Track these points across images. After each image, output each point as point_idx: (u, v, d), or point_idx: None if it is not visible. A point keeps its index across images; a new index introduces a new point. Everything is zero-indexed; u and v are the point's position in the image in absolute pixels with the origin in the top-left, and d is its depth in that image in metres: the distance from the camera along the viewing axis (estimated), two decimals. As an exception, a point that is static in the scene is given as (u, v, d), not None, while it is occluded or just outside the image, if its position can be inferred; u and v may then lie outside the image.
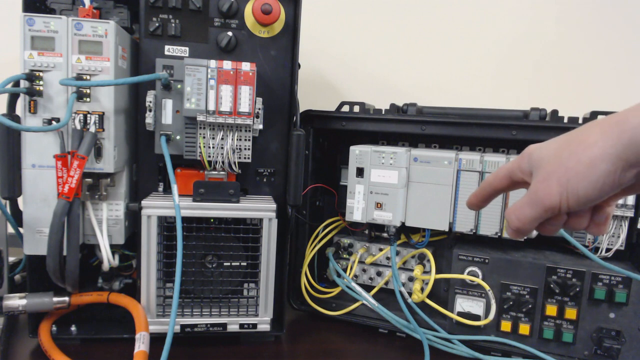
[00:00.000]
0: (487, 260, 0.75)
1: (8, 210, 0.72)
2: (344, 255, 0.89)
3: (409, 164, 0.78)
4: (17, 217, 0.71)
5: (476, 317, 0.75)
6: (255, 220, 0.73)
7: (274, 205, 0.71)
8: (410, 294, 0.80)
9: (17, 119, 0.65)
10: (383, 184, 0.78)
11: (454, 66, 1.13)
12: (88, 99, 0.65)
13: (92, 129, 0.65)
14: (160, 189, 0.74)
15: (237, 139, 0.71)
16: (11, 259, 0.85)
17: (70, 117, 0.63)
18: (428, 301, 0.78)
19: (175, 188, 0.66)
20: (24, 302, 0.69)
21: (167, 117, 0.70)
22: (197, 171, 0.73)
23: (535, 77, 1.11)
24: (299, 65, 0.75)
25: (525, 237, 0.75)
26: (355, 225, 0.89)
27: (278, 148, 0.76)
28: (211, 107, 0.67)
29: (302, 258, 0.89)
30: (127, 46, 0.70)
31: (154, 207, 0.68)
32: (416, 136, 0.88)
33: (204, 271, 0.73)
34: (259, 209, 0.71)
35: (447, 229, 0.78)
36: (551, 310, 0.72)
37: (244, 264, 0.73)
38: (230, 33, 0.71)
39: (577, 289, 0.71)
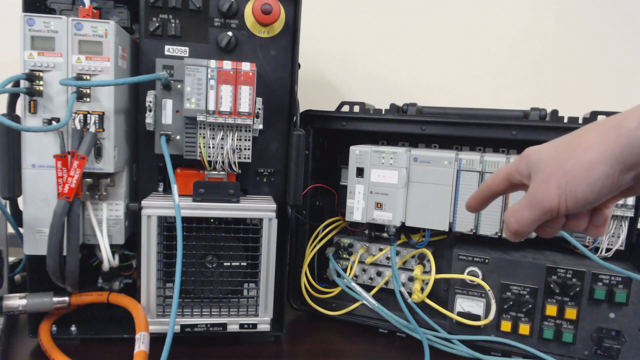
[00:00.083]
0: (487, 260, 0.75)
1: (8, 210, 0.72)
2: (344, 255, 0.89)
3: (409, 164, 0.78)
4: (17, 217, 0.71)
5: (476, 317, 0.75)
6: (255, 220, 0.73)
7: (274, 205, 0.71)
8: (410, 294, 0.80)
9: (17, 119, 0.65)
10: (383, 184, 0.78)
11: (454, 66, 1.13)
12: (88, 99, 0.65)
13: (92, 129, 0.65)
14: (160, 189, 0.74)
15: (237, 139, 0.71)
16: (11, 259, 0.85)
17: (70, 117, 0.63)
18: (428, 301, 0.78)
19: (175, 188, 0.66)
20: (24, 302, 0.69)
21: (167, 117, 0.70)
22: (197, 171, 0.73)
23: (535, 77, 1.11)
24: (299, 65, 0.75)
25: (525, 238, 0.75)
26: (355, 225, 0.89)
27: (278, 148, 0.76)
28: (211, 107, 0.67)
29: (302, 258, 0.89)
30: (127, 46, 0.70)
31: (154, 207, 0.68)
32: (416, 136, 0.88)
33: (204, 271, 0.73)
34: (259, 209, 0.71)
35: (447, 229, 0.78)
36: (551, 310, 0.72)
37: (244, 264, 0.73)
38: (230, 33, 0.71)
39: (577, 289, 0.71)
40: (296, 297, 0.89)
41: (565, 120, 0.73)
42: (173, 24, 0.70)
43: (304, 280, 0.88)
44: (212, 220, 0.72)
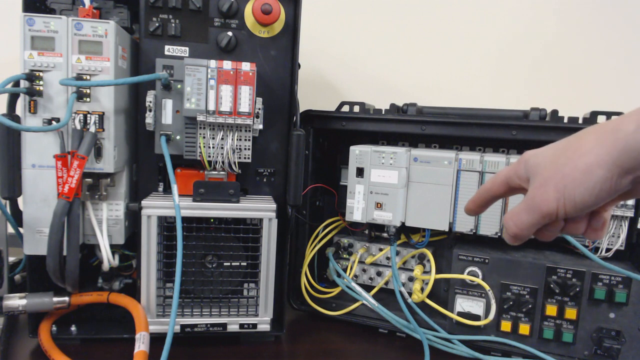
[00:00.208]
0: (487, 260, 0.75)
1: (8, 210, 0.72)
2: (344, 255, 0.89)
3: (409, 164, 0.78)
4: (17, 217, 0.71)
5: (476, 317, 0.75)
6: (255, 220, 0.73)
7: (274, 205, 0.71)
8: (410, 294, 0.80)
9: (17, 119, 0.65)
10: (383, 184, 0.78)
11: (454, 66, 1.13)
12: (88, 99, 0.65)
13: (92, 129, 0.65)
14: (160, 189, 0.74)
15: (237, 139, 0.71)
16: (11, 259, 0.85)
17: (70, 117, 0.63)
18: (428, 301, 0.78)
19: (175, 188, 0.66)
20: (24, 302, 0.69)
21: (167, 117, 0.70)
22: (197, 171, 0.73)
23: (536, 77, 1.11)
24: (299, 65, 0.75)
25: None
26: (355, 225, 0.89)
27: (278, 148, 0.76)
28: (211, 107, 0.67)
29: (302, 258, 0.89)
30: (127, 46, 0.70)
31: (154, 207, 0.68)
32: (416, 136, 0.88)
33: (204, 271, 0.73)
34: (259, 209, 0.71)
35: (447, 229, 0.78)
36: (551, 310, 0.72)
37: (244, 264, 0.73)
38: (230, 33, 0.71)
39: (577, 289, 0.71)
40: (296, 297, 0.89)
41: (565, 120, 0.73)
42: (173, 24, 0.70)
43: (304, 280, 0.88)
44: (212, 220, 0.72)
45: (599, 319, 0.71)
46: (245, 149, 0.71)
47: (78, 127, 0.65)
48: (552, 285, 0.72)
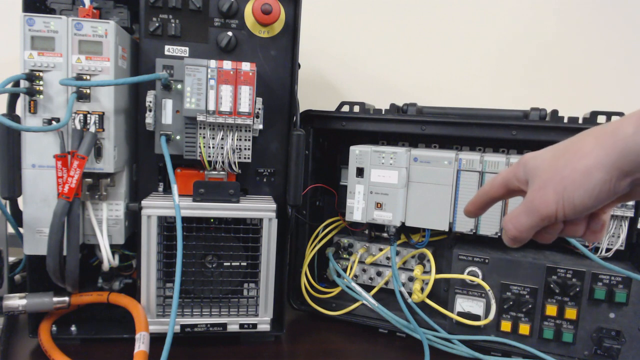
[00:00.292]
0: (487, 260, 0.75)
1: (8, 210, 0.72)
2: (344, 255, 0.89)
3: (409, 164, 0.78)
4: (17, 217, 0.71)
5: (476, 317, 0.75)
6: (255, 220, 0.73)
7: (274, 205, 0.71)
8: (410, 294, 0.80)
9: (17, 119, 0.65)
10: (383, 184, 0.78)
11: (454, 66, 1.13)
12: (88, 99, 0.65)
13: (92, 129, 0.65)
14: (160, 189, 0.74)
15: (237, 139, 0.71)
16: (11, 259, 0.85)
17: (70, 117, 0.63)
18: (428, 301, 0.78)
19: (175, 188, 0.66)
20: (24, 302, 0.69)
21: (167, 117, 0.70)
22: (197, 171, 0.73)
23: (536, 77, 1.11)
24: (299, 65, 0.75)
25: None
26: (355, 225, 0.89)
27: (278, 148, 0.76)
28: (211, 107, 0.67)
29: (302, 258, 0.89)
30: (127, 46, 0.70)
31: (154, 207, 0.68)
32: (416, 136, 0.88)
33: (204, 271, 0.73)
34: (259, 209, 0.71)
35: (447, 229, 0.78)
36: (551, 310, 0.72)
37: (244, 264, 0.73)
38: (230, 33, 0.71)
39: (577, 289, 0.71)
40: (296, 297, 0.89)
41: (565, 120, 0.73)
42: (173, 24, 0.70)
43: (304, 280, 0.88)
44: (212, 220, 0.72)
45: (599, 319, 0.71)
46: (245, 149, 0.71)
47: (78, 127, 0.65)
48: (552, 285, 0.72)
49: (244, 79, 0.67)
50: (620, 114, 0.72)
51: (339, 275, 0.86)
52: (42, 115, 0.65)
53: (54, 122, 0.65)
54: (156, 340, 0.64)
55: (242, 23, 0.72)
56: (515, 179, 0.44)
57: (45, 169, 0.65)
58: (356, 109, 0.85)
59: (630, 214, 0.72)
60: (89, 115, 0.65)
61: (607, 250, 0.74)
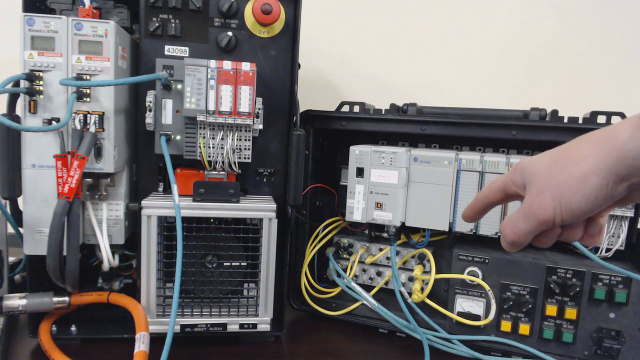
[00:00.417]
0: (487, 260, 0.75)
1: (8, 210, 0.72)
2: (344, 255, 0.89)
3: (409, 164, 0.78)
4: (17, 217, 0.71)
5: (476, 317, 0.75)
6: (255, 220, 0.73)
7: (274, 205, 0.71)
8: (410, 294, 0.80)
9: (17, 119, 0.65)
10: (383, 184, 0.78)
11: (454, 66, 1.13)
12: (88, 99, 0.65)
13: (92, 129, 0.65)
14: (160, 189, 0.74)
15: (237, 139, 0.71)
16: (11, 259, 0.85)
17: (70, 117, 0.63)
18: (428, 301, 0.78)
19: (175, 188, 0.66)
20: (24, 302, 0.69)
21: (167, 117, 0.70)
22: (197, 171, 0.73)
23: (536, 77, 1.11)
24: (299, 65, 0.75)
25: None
26: (355, 225, 0.89)
27: (278, 148, 0.76)
28: (211, 107, 0.67)
29: (302, 258, 0.89)
30: (127, 46, 0.70)
31: (154, 207, 0.68)
32: (416, 136, 0.88)
33: (204, 271, 0.73)
34: (259, 209, 0.71)
35: (447, 229, 0.78)
36: (551, 310, 0.72)
37: (244, 264, 0.73)
38: (230, 33, 0.71)
39: (577, 289, 0.71)
40: (296, 297, 0.89)
41: (565, 120, 0.73)
42: (173, 24, 0.70)
43: (304, 280, 0.88)
44: (212, 220, 0.72)
45: (599, 319, 0.71)
46: (245, 149, 0.71)
47: (78, 127, 0.65)
48: (552, 285, 0.72)
49: (244, 79, 0.67)
50: (620, 114, 0.72)
51: (339, 275, 0.86)
52: (42, 115, 0.65)
53: (54, 122, 0.65)
54: (156, 340, 0.64)
55: (242, 23, 0.72)
56: (512, 184, 0.44)
57: (45, 169, 0.65)
58: (356, 109, 0.85)
59: (630, 214, 0.72)
60: (89, 115, 0.65)
61: (607, 250, 0.74)
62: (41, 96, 0.64)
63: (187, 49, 0.71)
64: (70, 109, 0.62)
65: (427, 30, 1.13)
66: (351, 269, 0.86)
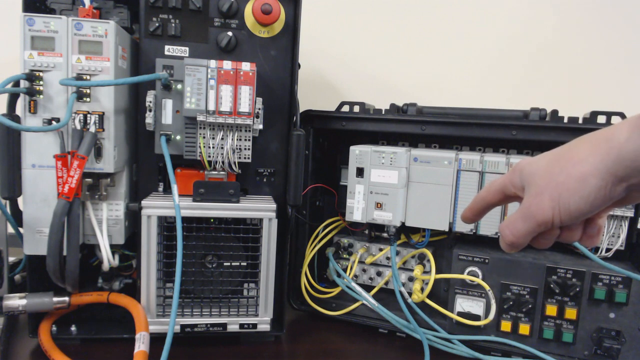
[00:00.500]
0: (487, 260, 0.75)
1: (8, 210, 0.72)
2: (344, 255, 0.89)
3: (409, 164, 0.78)
4: (17, 217, 0.71)
5: (476, 317, 0.75)
6: (255, 220, 0.73)
7: (274, 205, 0.71)
8: (410, 294, 0.80)
9: (17, 119, 0.65)
10: (383, 184, 0.78)
11: (454, 66, 1.13)
12: (88, 99, 0.65)
13: (92, 129, 0.65)
14: (160, 189, 0.74)
15: (237, 139, 0.71)
16: (11, 259, 0.85)
17: (70, 117, 0.63)
18: (428, 301, 0.78)
19: (175, 188, 0.66)
20: (24, 302, 0.69)
21: (167, 117, 0.70)
22: (197, 171, 0.73)
23: (535, 77, 1.11)
24: (299, 65, 0.75)
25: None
26: (355, 225, 0.89)
27: (278, 148, 0.76)
28: (211, 107, 0.67)
29: (302, 258, 0.89)
30: (127, 46, 0.70)
31: (154, 207, 0.68)
32: (416, 136, 0.88)
33: (204, 271, 0.73)
34: (259, 209, 0.71)
35: (447, 229, 0.78)
36: (551, 310, 0.72)
37: (244, 264, 0.73)
38: (230, 33, 0.71)
39: (577, 289, 0.71)
40: (296, 297, 0.89)
41: (565, 120, 0.73)
42: (173, 24, 0.70)
43: (304, 280, 0.88)
44: (212, 220, 0.72)
45: (599, 319, 0.71)
46: (245, 149, 0.71)
47: (78, 127, 0.65)
48: (552, 285, 0.72)
49: (244, 79, 0.67)
50: (620, 114, 0.72)
51: (339, 275, 0.86)
52: (42, 115, 0.65)
53: (54, 122, 0.65)
54: (156, 340, 0.64)
55: (242, 23, 0.72)
56: (511, 185, 0.44)
57: (45, 169, 0.65)
58: (356, 109, 0.85)
59: (630, 214, 0.72)
60: (89, 115, 0.65)
61: (607, 250, 0.74)
62: (41, 96, 0.64)
63: (187, 49, 0.71)
64: (70, 109, 0.62)
65: (427, 30, 1.13)
66: (351, 269, 0.86)
